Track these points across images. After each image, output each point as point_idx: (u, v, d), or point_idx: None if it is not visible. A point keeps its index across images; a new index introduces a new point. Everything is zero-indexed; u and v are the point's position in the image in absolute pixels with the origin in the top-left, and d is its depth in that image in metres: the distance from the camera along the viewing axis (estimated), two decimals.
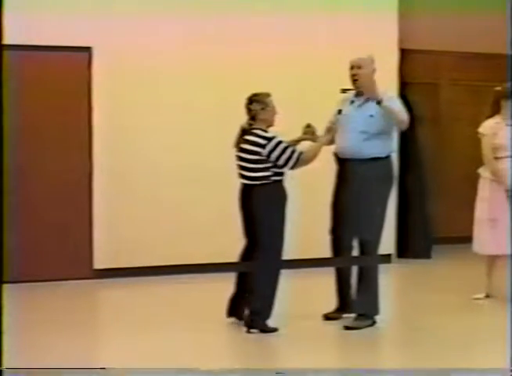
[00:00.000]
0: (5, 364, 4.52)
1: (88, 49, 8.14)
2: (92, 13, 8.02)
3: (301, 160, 5.88)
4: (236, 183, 6.12)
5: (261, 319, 5.91)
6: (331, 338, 6.06)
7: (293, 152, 5.84)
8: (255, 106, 5.93)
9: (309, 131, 6.24)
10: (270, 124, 5.99)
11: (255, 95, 5.99)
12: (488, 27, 9.53)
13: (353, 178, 6.11)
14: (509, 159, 7.07)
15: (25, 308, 7.00)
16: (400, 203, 9.58)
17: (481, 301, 7.25)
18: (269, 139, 5.83)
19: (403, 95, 9.73)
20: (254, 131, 5.90)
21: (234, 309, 6.14)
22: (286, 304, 6.13)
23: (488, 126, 7.22)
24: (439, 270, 9.09)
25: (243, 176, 5.99)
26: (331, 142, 6.29)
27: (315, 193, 8.03)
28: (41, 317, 6.67)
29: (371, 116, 6.08)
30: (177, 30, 8.35)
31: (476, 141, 7.35)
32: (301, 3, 8.73)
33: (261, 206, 5.84)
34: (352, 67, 6.21)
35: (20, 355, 5.39)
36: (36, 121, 8.04)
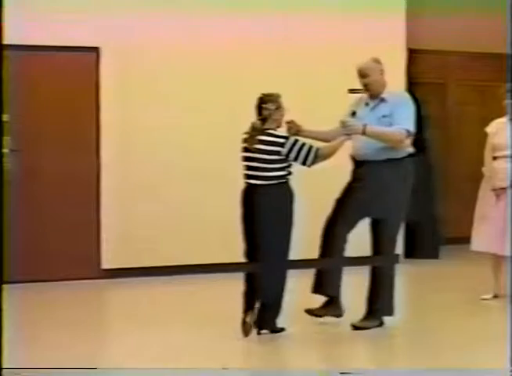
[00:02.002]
0: (11, 363, 4.54)
1: (95, 49, 8.15)
2: (100, 13, 8.03)
3: (318, 157, 5.86)
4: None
5: (271, 319, 5.91)
6: (338, 337, 6.05)
7: (310, 148, 5.83)
8: (270, 106, 5.90)
9: (292, 127, 6.14)
10: (279, 125, 5.98)
11: (268, 95, 5.97)
12: (496, 27, 9.50)
13: (369, 180, 6.08)
14: (508, 159, 7.07)
15: (33, 307, 7.02)
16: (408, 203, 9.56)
17: (488, 302, 7.24)
18: (287, 138, 5.84)
19: (411, 95, 9.74)
20: (269, 131, 5.87)
21: (250, 305, 6.08)
22: (294, 303, 6.11)
23: (493, 125, 7.29)
24: (447, 270, 9.07)
25: (253, 177, 5.90)
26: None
27: (323, 192, 8.04)
28: (49, 316, 6.68)
29: (384, 116, 6.07)
30: (185, 30, 8.35)
31: (483, 141, 7.37)
32: (308, 3, 8.72)
33: (277, 206, 5.80)
34: (361, 76, 6.20)
35: (26, 354, 5.41)
36: (44, 121, 8.05)
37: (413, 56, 9.71)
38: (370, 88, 6.18)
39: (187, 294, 7.63)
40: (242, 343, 5.78)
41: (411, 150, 6.20)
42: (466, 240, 8.05)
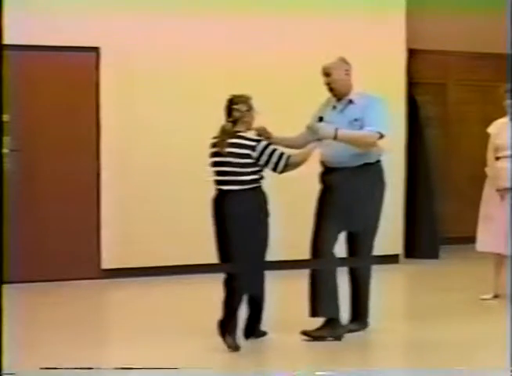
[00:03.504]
0: (11, 363, 4.54)
1: (95, 49, 8.15)
2: (100, 13, 8.03)
3: (289, 165, 5.64)
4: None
5: (258, 326, 5.87)
6: (329, 341, 6.04)
7: (281, 155, 5.62)
8: (241, 108, 5.69)
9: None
10: (250, 127, 5.76)
11: (239, 96, 5.75)
12: (496, 27, 9.52)
13: (343, 188, 5.85)
14: (509, 159, 7.08)
15: (33, 307, 7.02)
16: (408, 203, 9.57)
17: (488, 302, 7.24)
18: (258, 141, 5.62)
19: (411, 96, 9.76)
20: (240, 133, 5.65)
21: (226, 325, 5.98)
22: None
23: (494, 126, 7.29)
24: (447, 270, 9.07)
25: (225, 182, 5.64)
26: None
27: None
28: (49, 316, 6.69)
29: (356, 120, 5.85)
30: (185, 30, 8.36)
31: (484, 141, 7.37)
32: (308, 3, 8.72)
33: (251, 211, 5.60)
34: (324, 75, 5.99)
35: (26, 354, 5.41)
36: (44, 121, 8.06)
37: (413, 56, 9.71)
38: (333, 87, 5.97)
39: (187, 294, 7.63)
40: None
41: (385, 152, 6.00)
42: (466, 239, 8.07)
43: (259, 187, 5.67)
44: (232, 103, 5.73)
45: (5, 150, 7.39)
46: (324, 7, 8.74)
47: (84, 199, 8.20)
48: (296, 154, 5.73)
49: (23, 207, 7.93)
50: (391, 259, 9.21)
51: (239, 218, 5.57)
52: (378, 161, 6.01)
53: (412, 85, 9.77)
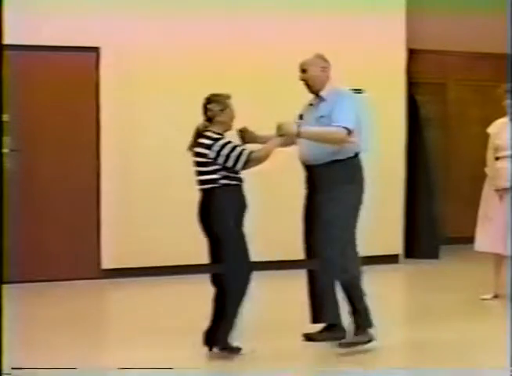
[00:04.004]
0: (11, 363, 4.54)
1: (95, 49, 8.15)
2: (100, 13, 8.04)
3: (251, 160, 5.53)
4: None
5: (225, 334, 5.58)
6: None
7: (242, 152, 5.51)
8: (214, 107, 5.61)
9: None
10: (228, 128, 5.68)
11: (215, 95, 5.68)
12: (496, 27, 9.51)
13: (316, 184, 5.79)
14: (508, 159, 7.08)
15: (33, 307, 7.02)
16: (408, 203, 9.58)
17: (488, 302, 7.24)
18: (216, 140, 5.54)
19: (411, 95, 9.76)
20: (207, 133, 5.61)
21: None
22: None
23: (494, 126, 7.30)
24: (447, 270, 9.07)
25: (197, 182, 5.68)
26: (290, 144, 5.88)
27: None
28: (49, 317, 6.69)
29: (322, 117, 5.78)
30: (185, 30, 8.36)
31: (484, 141, 7.38)
32: (308, 3, 8.73)
33: (213, 213, 5.55)
34: (300, 71, 5.92)
35: (26, 354, 5.41)
36: (44, 121, 8.06)
37: (413, 56, 9.71)
38: (309, 83, 5.88)
39: (187, 294, 7.62)
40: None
41: (359, 148, 5.79)
42: (466, 240, 8.06)
43: (221, 188, 5.55)
44: (206, 102, 5.66)
45: (5, 150, 7.39)
46: (324, 7, 8.74)
47: (84, 199, 8.20)
48: (257, 150, 5.62)
49: (23, 207, 7.92)
50: (391, 259, 9.22)
51: (202, 218, 5.61)
52: (352, 157, 5.78)
53: (412, 85, 9.77)
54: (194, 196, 7.94)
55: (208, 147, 5.52)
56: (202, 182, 5.60)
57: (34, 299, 7.39)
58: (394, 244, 9.33)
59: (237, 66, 8.43)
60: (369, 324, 5.75)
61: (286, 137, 5.64)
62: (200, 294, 7.55)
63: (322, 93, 5.86)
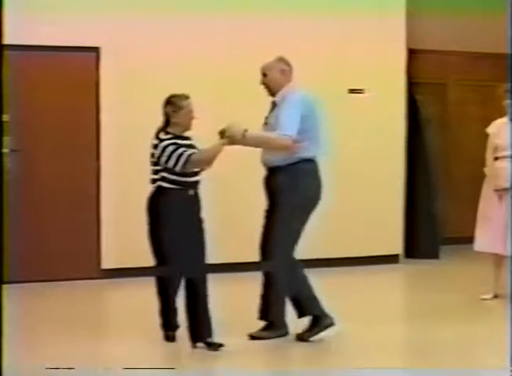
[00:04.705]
0: (11, 363, 4.53)
1: (95, 49, 8.15)
2: (100, 13, 8.03)
3: (192, 162, 5.54)
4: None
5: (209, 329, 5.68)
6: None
7: (182, 153, 5.52)
8: (168, 109, 5.68)
9: (224, 138, 5.77)
10: (186, 129, 5.71)
11: (171, 96, 5.72)
12: (496, 27, 9.51)
13: (268, 186, 5.87)
14: (508, 159, 7.08)
15: (33, 307, 7.02)
16: (408, 203, 9.57)
17: (488, 302, 7.24)
18: (162, 141, 5.59)
19: (411, 96, 9.76)
20: (159, 134, 5.66)
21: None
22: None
23: (494, 126, 7.30)
24: (447, 270, 9.07)
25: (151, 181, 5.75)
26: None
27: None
28: (49, 317, 6.69)
29: (265, 124, 5.87)
30: (185, 31, 8.35)
31: (484, 141, 7.38)
32: (309, 3, 8.73)
33: (156, 211, 5.65)
34: (262, 75, 5.92)
35: (26, 354, 5.42)
36: (44, 121, 8.06)
37: (413, 56, 9.71)
38: (268, 87, 5.90)
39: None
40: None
41: (308, 153, 5.79)
42: (466, 240, 8.06)
43: (164, 188, 5.61)
44: (164, 104, 5.74)
45: (5, 150, 7.39)
46: (324, 7, 8.74)
47: (84, 199, 8.20)
48: (199, 152, 5.65)
49: (23, 207, 7.92)
50: (391, 259, 9.22)
51: (150, 216, 5.71)
52: (297, 162, 5.77)
53: (412, 85, 9.77)
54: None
55: (155, 147, 5.60)
56: (151, 181, 5.70)
57: (34, 299, 7.39)
58: (394, 244, 9.33)
59: (237, 67, 8.42)
60: (320, 312, 5.83)
61: (231, 140, 5.66)
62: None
63: (276, 97, 5.89)
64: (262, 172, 5.93)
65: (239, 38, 8.50)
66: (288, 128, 5.65)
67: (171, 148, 5.53)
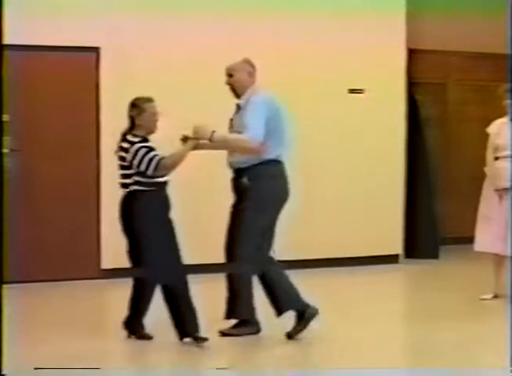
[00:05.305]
0: (11, 363, 4.54)
1: (95, 49, 8.15)
2: (100, 13, 8.03)
3: (163, 165, 5.59)
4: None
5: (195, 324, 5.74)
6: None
7: (153, 157, 5.57)
8: (132, 111, 5.72)
9: (184, 140, 5.89)
10: (150, 131, 5.74)
11: (135, 99, 5.79)
12: (496, 27, 9.52)
13: (234, 188, 5.93)
14: (508, 159, 7.08)
15: (33, 307, 7.02)
16: (408, 203, 9.57)
17: (488, 302, 7.24)
18: (133, 144, 5.61)
19: (411, 96, 9.76)
20: (128, 136, 5.68)
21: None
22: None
23: (494, 126, 7.30)
24: (447, 270, 9.07)
25: (120, 185, 5.77)
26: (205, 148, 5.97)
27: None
28: (49, 317, 6.68)
29: (231, 126, 5.91)
30: (186, 30, 8.35)
31: (484, 141, 7.38)
32: (309, 3, 8.73)
33: (131, 216, 5.67)
34: (227, 75, 5.96)
35: (26, 354, 5.42)
36: (44, 121, 8.06)
37: (413, 56, 9.71)
38: (234, 88, 5.94)
39: None
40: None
41: (272, 154, 5.79)
42: (466, 240, 8.06)
43: (138, 191, 5.64)
44: (128, 107, 5.77)
45: (5, 150, 7.39)
46: (324, 7, 8.74)
47: (84, 199, 8.19)
48: (170, 155, 5.69)
49: (23, 207, 7.92)
50: (391, 259, 9.23)
51: (122, 220, 5.72)
52: (256, 165, 5.79)
53: (412, 85, 9.77)
54: (193, 195, 8.00)
55: (126, 150, 5.61)
56: (123, 186, 5.70)
57: (34, 299, 7.38)
58: (394, 244, 9.33)
59: None
60: (300, 306, 5.84)
61: (199, 141, 5.74)
62: (200, 293, 7.56)
63: (241, 100, 5.91)
64: (227, 173, 5.96)
65: (241, 39, 8.48)
66: (254, 130, 5.70)
67: (142, 151, 5.58)
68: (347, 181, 8.94)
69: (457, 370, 5.14)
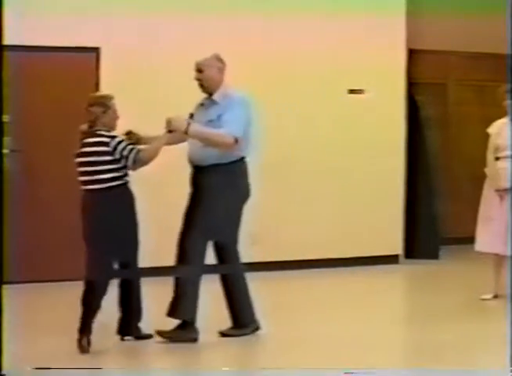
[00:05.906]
0: (11, 363, 4.54)
1: (95, 49, 8.16)
2: (100, 14, 8.03)
3: (140, 158, 5.65)
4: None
5: (136, 324, 5.85)
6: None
7: (131, 150, 5.64)
8: (96, 109, 5.70)
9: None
10: (112, 128, 5.77)
11: (97, 97, 5.81)
12: (496, 27, 9.51)
13: (198, 186, 5.90)
14: (508, 159, 7.08)
15: (33, 308, 7.02)
16: (408, 203, 9.57)
17: (488, 302, 7.24)
18: (113, 138, 5.64)
19: (411, 96, 9.76)
20: (99, 132, 5.68)
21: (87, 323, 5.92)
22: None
23: (495, 126, 7.30)
24: (447, 271, 9.07)
25: (88, 182, 5.78)
26: (178, 141, 6.01)
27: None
28: (49, 317, 6.70)
29: (210, 121, 5.82)
30: (185, 30, 8.36)
31: (484, 141, 7.38)
32: (309, 3, 8.73)
33: (118, 209, 5.69)
34: (196, 70, 5.95)
35: (26, 354, 5.42)
36: (44, 121, 8.06)
37: (413, 56, 9.71)
38: (203, 84, 5.92)
39: None
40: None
41: (242, 153, 5.84)
42: (466, 240, 8.07)
43: (123, 185, 5.70)
44: (88, 105, 5.75)
45: (5, 151, 7.38)
46: (324, 7, 8.74)
47: None
48: (145, 148, 5.73)
49: (24, 208, 7.92)
50: (391, 259, 9.23)
51: (103, 216, 5.68)
52: (234, 162, 5.84)
53: (412, 85, 9.77)
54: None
55: (106, 144, 5.61)
56: (102, 181, 5.67)
57: (34, 299, 7.38)
58: (394, 244, 9.33)
59: (236, 66, 8.41)
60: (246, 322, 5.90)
61: (174, 133, 5.75)
62: (202, 294, 7.56)
63: (215, 96, 5.88)
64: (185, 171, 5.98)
65: (241, 38, 8.50)
66: (235, 127, 5.70)
67: (123, 144, 5.64)
68: (348, 181, 8.94)
69: (457, 370, 5.14)
